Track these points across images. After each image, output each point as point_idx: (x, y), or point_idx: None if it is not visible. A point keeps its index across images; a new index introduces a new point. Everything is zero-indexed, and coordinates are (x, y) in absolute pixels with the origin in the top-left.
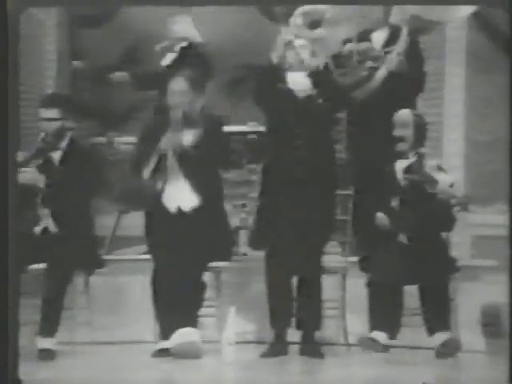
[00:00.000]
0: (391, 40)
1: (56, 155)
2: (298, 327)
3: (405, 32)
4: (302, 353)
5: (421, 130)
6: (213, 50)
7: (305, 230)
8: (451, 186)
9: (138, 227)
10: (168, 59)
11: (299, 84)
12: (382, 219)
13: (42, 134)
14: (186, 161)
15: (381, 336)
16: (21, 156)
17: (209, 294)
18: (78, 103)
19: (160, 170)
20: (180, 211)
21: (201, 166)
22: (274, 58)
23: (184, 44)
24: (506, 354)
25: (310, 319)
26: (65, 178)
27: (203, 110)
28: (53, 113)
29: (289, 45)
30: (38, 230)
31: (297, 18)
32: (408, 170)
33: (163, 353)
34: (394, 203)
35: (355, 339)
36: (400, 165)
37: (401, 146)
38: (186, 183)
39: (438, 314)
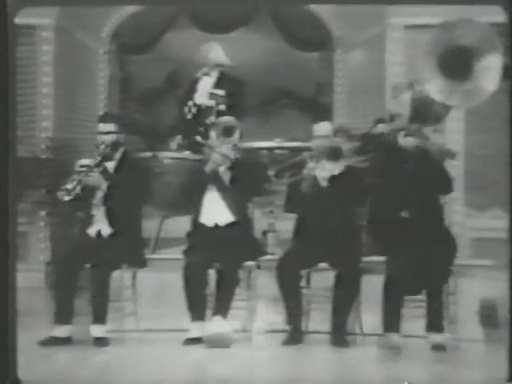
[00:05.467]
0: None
1: (111, 165)
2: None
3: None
4: (332, 342)
5: (421, 108)
6: (242, 74)
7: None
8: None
9: (178, 230)
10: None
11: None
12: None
13: (102, 146)
14: (223, 190)
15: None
16: (84, 162)
17: (240, 289)
18: (127, 121)
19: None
20: (216, 226)
21: (235, 194)
22: None
23: (221, 69)
24: (502, 343)
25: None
26: (118, 185)
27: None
28: (109, 127)
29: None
30: (92, 231)
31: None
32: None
33: (192, 341)
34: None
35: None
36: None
37: (399, 123)
38: (223, 205)
39: (435, 312)
